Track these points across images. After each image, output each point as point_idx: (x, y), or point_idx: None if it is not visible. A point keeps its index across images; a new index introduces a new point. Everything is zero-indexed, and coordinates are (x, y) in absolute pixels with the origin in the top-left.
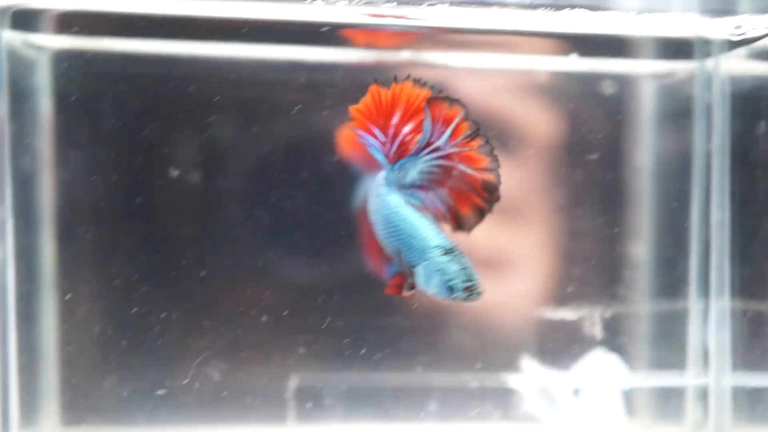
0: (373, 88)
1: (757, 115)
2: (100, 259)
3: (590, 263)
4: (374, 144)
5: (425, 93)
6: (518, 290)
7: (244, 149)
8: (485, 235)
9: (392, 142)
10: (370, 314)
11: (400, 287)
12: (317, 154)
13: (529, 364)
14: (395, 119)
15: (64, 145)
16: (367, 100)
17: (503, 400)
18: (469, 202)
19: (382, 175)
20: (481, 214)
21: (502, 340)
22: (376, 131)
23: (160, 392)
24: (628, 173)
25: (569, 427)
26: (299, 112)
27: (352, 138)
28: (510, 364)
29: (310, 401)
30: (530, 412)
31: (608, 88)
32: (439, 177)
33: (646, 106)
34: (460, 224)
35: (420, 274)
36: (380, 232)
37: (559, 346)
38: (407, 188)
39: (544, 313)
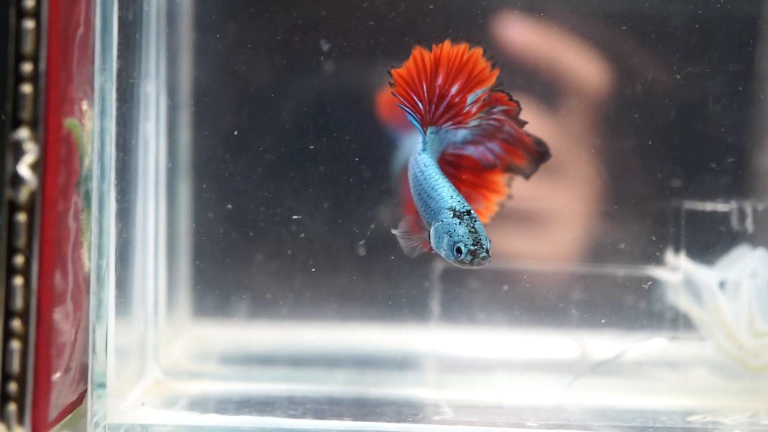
0: (416, 51)
1: None
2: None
3: (742, 156)
4: (412, 112)
5: (464, 50)
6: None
7: None
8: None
9: (438, 103)
10: None
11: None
12: None
13: (675, 257)
14: (439, 80)
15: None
16: (409, 63)
17: (647, 292)
18: (520, 154)
19: (420, 137)
20: (535, 162)
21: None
22: (418, 97)
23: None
24: None
25: (714, 320)
26: None
27: (392, 102)
28: (656, 256)
29: None
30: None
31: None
32: (489, 133)
33: None
34: (516, 172)
35: (432, 235)
36: (411, 190)
37: (706, 239)
38: (457, 144)
39: (693, 206)
